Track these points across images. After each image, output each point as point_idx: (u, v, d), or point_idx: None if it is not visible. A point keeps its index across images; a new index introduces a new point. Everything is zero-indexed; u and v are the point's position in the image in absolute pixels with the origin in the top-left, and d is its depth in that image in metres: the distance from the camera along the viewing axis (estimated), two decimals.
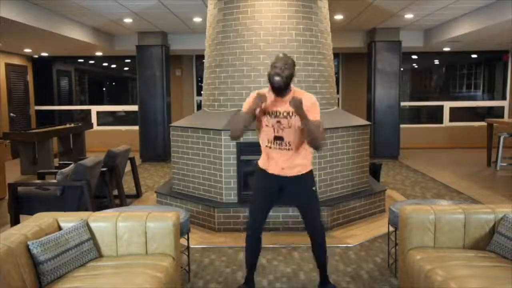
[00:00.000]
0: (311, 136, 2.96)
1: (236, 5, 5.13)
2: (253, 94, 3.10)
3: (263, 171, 3.20)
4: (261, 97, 3.00)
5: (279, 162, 3.13)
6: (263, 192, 3.22)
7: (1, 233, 2.59)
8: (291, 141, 3.09)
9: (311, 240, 3.26)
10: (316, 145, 3.02)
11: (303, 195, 3.20)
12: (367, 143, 5.46)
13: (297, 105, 2.88)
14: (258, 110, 3.07)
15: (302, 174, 3.15)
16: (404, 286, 3.16)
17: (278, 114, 3.08)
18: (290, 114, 3.04)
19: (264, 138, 3.17)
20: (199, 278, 3.62)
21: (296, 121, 3.02)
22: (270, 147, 3.14)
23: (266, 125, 3.12)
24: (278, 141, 3.11)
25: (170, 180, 5.87)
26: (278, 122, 3.08)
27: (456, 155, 10.14)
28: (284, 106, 3.05)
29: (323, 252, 3.26)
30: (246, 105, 3.13)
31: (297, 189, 3.19)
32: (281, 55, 3.10)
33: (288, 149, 3.10)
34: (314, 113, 3.01)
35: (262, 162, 3.24)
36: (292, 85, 3.10)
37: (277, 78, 2.98)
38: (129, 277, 2.59)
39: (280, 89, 3.03)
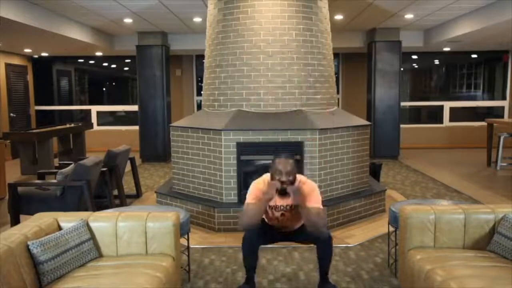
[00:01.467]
0: (310, 223, 3.06)
1: (236, 5, 5.13)
2: (258, 187, 3.21)
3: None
4: (272, 188, 3.07)
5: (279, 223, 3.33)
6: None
7: (1, 233, 2.59)
8: (294, 225, 3.32)
9: (316, 246, 3.21)
10: (315, 231, 3.08)
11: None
12: (367, 143, 5.46)
13: (295, 193, 3.03)
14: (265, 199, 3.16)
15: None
16: (404, 286, 3.16)
17: (281, 208, 3.23)
18: (292, 207, 3.21)
19: (268, 222, 3.35)
20: (199, 278, 3.62)
21: (298, 213, 3.19)
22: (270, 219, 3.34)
23: (271, 218, 3.29)
24: (283, 228, 3.33)
25: (170, 180, 5.87)
26: (282, 215, 3.25)
27: (456, 155, 10.14)
28: (288, 200, 3.19)
29: (329, 257, 3.23)
30: (252, 197, 3.19)
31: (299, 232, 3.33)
32: (282, 158, 3.19)
33: (292, 230, 3.35)
34: (315, 200, 3.13)
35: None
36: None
37: (285, 188, 3.10)
38: (129, 277, 2.59)
39: (284, 193, 3.15)
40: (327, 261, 3.23)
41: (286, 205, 3.21)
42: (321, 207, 3.16)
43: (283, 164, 3.12)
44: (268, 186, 3.11)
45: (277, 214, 3.25)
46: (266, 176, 3.29)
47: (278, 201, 3.21)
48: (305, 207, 3.04)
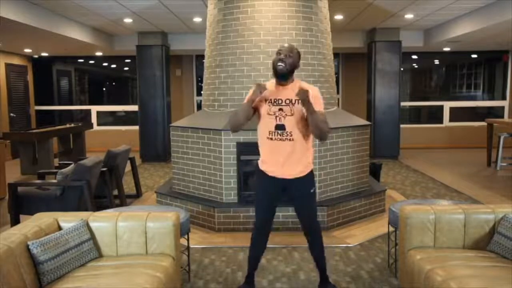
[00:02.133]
0: (318, 128, 2.94)
1: (236, 5, 5.13)
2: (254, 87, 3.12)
3: (264, 175, 3.18)
4: (260, 87, 2.99)
5: (280, 157, 3.08)
6: (266, 195, 3.23)
7: (1, 233, 2.59)
8: (292, 131, 3.04)
9: (307, 239, 3.28)
10: (322, 136, 3.01)
11: (302, 198, 3.21)
12: (367, 143, 5.46)
13: (305, 98, 2.87)
14: (257, 100, 3.05)
15: (303, 177, 3.14)
16: (404, 286, 3.16)
17: (280, 101, 3.06)
18: (293, 101, 3.03)
19: (265, 129, 3.11)
20: (199, 278, 3.62)
21: (298, 108, 3.02)
22: (271, 139, 3.08)
23: (268, 114, 3.07)
24: (279, 131, 3.05)
25: (170, 180, 5.87)
26: (280, 109, 3.04)
27: (456, 155, 10.14)
28: (287, 94, 3.05)
29: (321, 251, 3.27)
30: (246, 99, 3.11)
31: (297, 193, 3.19)
32: (286, 44, 3.13)
33: (290, 140, 3.04)
34: (318, 104, 3.02)
35: (261, 162, 3.22)
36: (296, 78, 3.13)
37: (280, 64, 2.98)
38: (129, 277, 2.58)
39: (283, 76, 3.02)
40: (321, 250, 3.25)
41: (285, 99, 3.05)
42: (324, 111, 3.05)
43: (285, 47, 3.05)
44: (260, 83, 3.01)
45: (275, 109, 3.04)
46: (272, 80, 3.17)
47: (276, 95, 3.06)
48: (311, 108, 2.90)
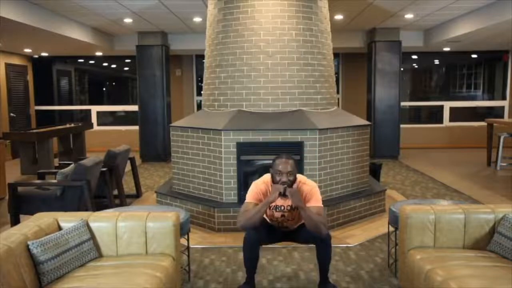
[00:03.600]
0: (310, 223, 3.06)
1: (236, 5, 5.13)
2: (259, 187, 3.24)
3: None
4: (278, 190, 3.08)
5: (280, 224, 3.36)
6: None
7: (1, 233, 2.59)
8: (295, 225, 3.34)
9: (316, 247, 3.21)
10: (316, 230, 3.08)
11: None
12: (367, 143, 5.46)
13: (294, 196, 3.04)
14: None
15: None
16: (404, 286, 3.16)
17: (282, 208, 3.25)
18: (293, 207, 3.23)
19: (269, 221, 3.36)
20: (199, 278, 3.62)
21: (298, 213, 3.22)
22: (271, 220, 3.36)
23: (271, 219, 3.30)
24: (283, 228, 3.35)
25: (170, 180, 5.87)
26: (283, 216, 3.27)
27: (456, 155, 10.14)
28: (288, 201, 3.20)
29: (328, 258, 3.23)
30: (253, 196, 3.21)
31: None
32: (284, 159, 3.18)
33: (293, 229, 3.36)
34: (315, 199, 3.17)
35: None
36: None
37: (287, 191, 3.07)
38: (129, 277, 2.58)
39: (284, 195, 3.13)
40: (327, 261, 3.24)
41: (287, 206, 3.23)
42: (321, 206, 3.18)
43: (283, 164, 3.14)
44: (272, 189, 3.13)
45: (278, 214, 3.26)
46: (267, 177, 3.31)
47: (279, 202, 3.22)
48: (304, 208, 3.06)
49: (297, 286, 3.47)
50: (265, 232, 3.24)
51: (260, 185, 3.26)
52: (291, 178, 3.14)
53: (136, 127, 9.83)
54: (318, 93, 5.23)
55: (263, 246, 3.33)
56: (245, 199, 4.63)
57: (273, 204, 3.21)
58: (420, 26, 8.98)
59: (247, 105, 5.09)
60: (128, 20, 8.00)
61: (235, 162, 4.81)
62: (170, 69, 9.82)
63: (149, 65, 9.34)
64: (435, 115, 11.64)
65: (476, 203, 5.72)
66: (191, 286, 3.48)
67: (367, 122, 5.56)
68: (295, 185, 3.19)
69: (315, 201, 3.16)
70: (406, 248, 3.10)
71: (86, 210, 4.51)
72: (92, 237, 2.94)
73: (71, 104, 12.18)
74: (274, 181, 3.18)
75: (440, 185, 7.05)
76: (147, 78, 9.37)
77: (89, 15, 7.55)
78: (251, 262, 3.24)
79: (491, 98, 11.92)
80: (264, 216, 3.29)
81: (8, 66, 10.29)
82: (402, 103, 10.08)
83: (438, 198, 6.05)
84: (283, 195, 3.09)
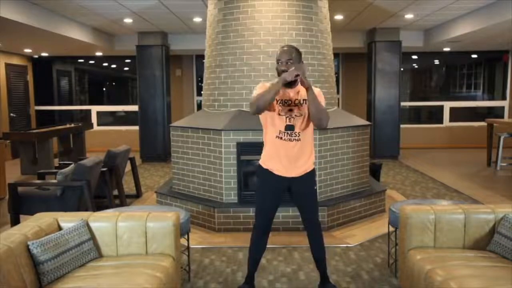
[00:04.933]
0: (315, 105, 2.99)
1: (236, 5, 5.13)
2: (263, 84, 3.17)
3: (269, 173, 3.19)
4: (285, 76, 2.95)
5: (288, 157, 3.13)
6: (270, 194, 3.23)
7: (1, 233, 2.59)
8: (300, 131, 3.12)
9: (309, 238, 3.28)
10: (322, 119, 3.04)
11: (306, 196, 3.24)
12: (367, 143, 5.46)
13: (298, 68, 2.93)
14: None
15: (307, 174, 3.18)
16: (404, 286, 3.16)
17: (289, 102, 3.12)
18: (301, 102, 3.11)
19: (274, 128, 3.15)
20: (199, 278, 3.62)
21: (305, 109, 3.09)
22: (281, 138, 3.13)
23: (279, 114, 3.12)
24: (289, 131, 3.11)
25: (170, 180, 5.87)
26: (290, 110, 3.12)
27: (456, 155, 10.14)
28: (294, 95, 3.12)
29: (322, 250, 3.28)
30: (260, 90, 3.10)
31: (302, 190, 3.22)
32: (285, 48, 3.15)
33: (298, 140, 3.12)
34: (319, 97, 3.08)
35: (267, 161, 3.22)
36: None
37: (286, 76, 2.96)
38: (129, 277, 2.58)
39: (290, 83, 3.04)
40: (321, 250, 3.26)
41: (295, 99, 3.12)
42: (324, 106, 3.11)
43: (283, 53, 3.09)
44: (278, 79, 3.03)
45: (285, 109, 3.12)
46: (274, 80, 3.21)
47: (285, 96, 3.12)
48: (311, 87, 2.97)
49: (297, 286, 3.47)
50: (270, 194, 3.21)
51: (266, 82, 3.20)
52: (292, 67, 3.02)
53: (136, 127, 9.83)
54: None
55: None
56: (245, 199, 4.64)
57: (280, 97, 3.11)
58: (420, 26, 8.98)
59: (247, 105, 5.09)
60: (128, 20, 8.01)
61: (235, 162, 4.81)
62: (170, 69, 9.82)
63: (149, 65, 9.34)
64: (435, 115, 11.64)
65: (476, 203, 5.72)
66: (191, 286, 3.49)
67: (367, 122, 5.57)
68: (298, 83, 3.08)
69: (321, 99, 3.09)
70: (406, 248, 3.10)
71: (86, 210, 4.51)
72: (92, 237, 2.94)
73: (71, 104, 12.18)
74: (279, 75, 3.09)
75: (440, 185, 7.05)
76: (147, 78, 9.37)
77: (89, 15, 7.55)
78: (254, 262, 3.28)
79: (491, 98, 11.92)
80: (270, 132, 3.17)
81: (8, 66, 10.29)
82: (402, 103, 10.08)
83: (438, 198, 6.05)
84: (289, 83, 3.00)
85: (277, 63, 3.11)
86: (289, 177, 3.15)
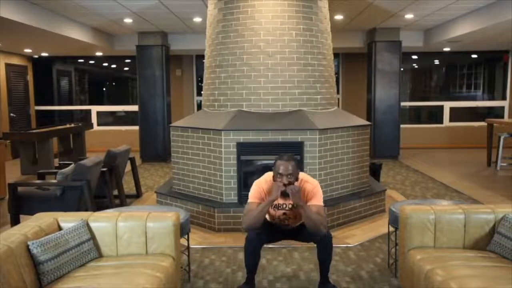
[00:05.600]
0: (310, 222, 3.07)
1: (236, 5, 5.13)
2: (261, 187, 3.23)
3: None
4: (279, 188, 3.10)
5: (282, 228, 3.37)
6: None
7: (1, 233, 2.59)
8: (296, 223, 3.33)
9: (317, 245, 3.21)
10: (315, 229, 3.09)
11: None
12: (367, 143, 5.46)
13: (294, 193, 3.04)
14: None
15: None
16: (404, 286, 3.16)
17: (284, 206, 3.25)
18: (295, 206, 3.21)
19: (269, 216, 3.34)
20: (199, 278, 3.62)
21: (298, 211, 3.22)
22: (276, 222, 3.35)
23: (273, 218, 3.31)
24: (284, 225, 3.35)
25: (170, 180, 5.87)
26: (284, 214, 3.27)
27: (456, 155, 10.14)
28: (289, 200, 3.19)
29: (329, 257, 3.24)
30: (255, 197, 3.20)
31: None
32: (284, 160, 3.18)
33: (293, 227, 3.36)
34: (316, 198, 3.17)
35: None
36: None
37: (288, 188, 3.08)
38: (129, 277, 2.58)
39: (284, 195, 3.15)
40: (327, 261, 3.24)
41: (288, 204, 3.23)
42: (322, 205, 3.18)
43: (284, 166, 3.14)
44: (273, 187, 3.13)
45: (279, 212, 3.26)
46: (268, 175, 3.30)
47: (280, 200, 3.22)
48: (304, 207, 3.06)
49: (297, 286, 3.47)
50: (267, 232, 3.23)
51: (262, 184, 3.26)
52: (292, 179, 3.14)
53: (136, 127, 9.83)
54: (318, 93, 5.22)
55: (264, 246, 3.33)
56: (245, 199, 4.61)
57: (275, 202, 3.21)
58: (420, 26, 8.98)
59: (247, 105, 5.09)
60: (128, 20, 8.00)
61: (235, 162, 4.81)
62: (170, 69, 9.82)
63: (149, 65, 9.34)
64: (435, 115, 11.64)
65: (476, 203, 5.72)
66: (191, 286, 3.49)
67: (367, 122, 5.56)
68: (297, 183, 3.19)
69: (316, 200, 3.17)
70: (406, 248, 3.10)
71: (86, 210, 4.51)
72: (92, 237, 2.94)
73: (71, 104, 12.18)
74: (275, 180, 3.19)
75: (440, 185, 7.05)
76: (147, 78, 9.37)
77: (89, 15, 7.55)
78: (252, 263, 3.24)
79: (491, 98, 11.91)
80: (266, 216, 3.29)
81: (8, 66, 10.29)
82: (402, 103, 10.08)
83: (438, 198, 6.05)
84: (284, 194, 3.11)
85: (277, 173, 3.15)
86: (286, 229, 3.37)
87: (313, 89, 5.18)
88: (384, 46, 9.27)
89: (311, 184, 3.24)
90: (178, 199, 5.18)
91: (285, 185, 3.10)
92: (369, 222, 5.06)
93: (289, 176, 3.12)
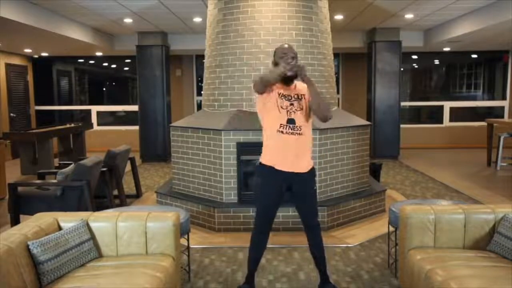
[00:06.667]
0: (317, 99, 3.08)
1: (236, 5, 5.13)
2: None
3: (270, 169, 3.17)
4: (284, 68, 3.00)
5: (290, 151, 3.13)
6: (271, 191, 3.20)
7: (1, 233, 2.59)
8: (301, 125, 3.14)
9: (308, 238, 3.28)
10: (322, 111, 3.10)
11: (306, 196, 3.24)
12: (367, 143, 5.46)
13: (302, 68, 2.97)
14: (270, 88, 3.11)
15: (308, 173, 3.20)
16: (404, 286, 3.16)
17: (290, 97, 3.16)
18: (300, 96, 3.17)
19: (275, 122, 3.14)
20: (199, 278, 3.62)
21: (305, 104, 3.16)
22: (282, 132, 3.12)
23: (281, 107, 3.13)
24: (290, 125, 3.12)
25: (170, 180, 5.87)
26: (291, 104, 3.15)
27: (456, 155, 10.14)
28: (293, 91, 3.18)
29: (321, 250, 3.28)
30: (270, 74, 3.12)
31: (302, 190, 3.22)
32: (286, 45, 3.22)
33: (299, 134, 3.13)
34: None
35: (268, 157, 3.21)
36: None
37: (291, 72, 3.00)
38: (129, 277, 2.58)
39: (292, 78, 3.10)
40: (321, 250, 3.26)
41: (294, 95, 3.17)
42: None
43: (287, 49, 3.15)
44: (276, 68, 3.08)
45: (286, 103, 3.14)
46: None
47: (286, 90, 3.16)
48: (312, 82, 3.05)
49: (297, 286, 3.47)
50: (269, 213, 3.23)
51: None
52: (296, 62, 3.08)
53: (136, 127, 9.83)
54: None
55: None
56: (245, 199, 4.63)
57: (281, 92, 3.14)
58: (420, 26, 8.98)
59: (247, 105, 5.09)
60: (128, 20, 8.01)
61: (235, 162, 4.81)
62: (170, 69, 9.82)
63: (149, 65, 9.34)
64: (435, 115, 11.64)
65: (476, 203, 5.72)
66: (191, 286, 3.49)
67: (367, 122, 5.57)
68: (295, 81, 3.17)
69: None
70: (406, 248, 3.10)
71: (86, 210, 4.51)
72: (92, 237, 2.94)
73: (71, 104, 12.18)
74: (280, 69, 3.09)
75: (440, 185, 7.05)
76: (147, 78, 9.37)
77: (89, 15, 7.55)
78: (254, 261, 3.28)
79: (491, 98, 11.91)
80: (271, 125, 3.18)
81: (8, 66, 10.29)
82: (402, 103, 10.08)
83: (438, 198, 6.05)
84: (285, 80, 3.08)
85: (280, 56, 3.13)
86: (292, 172, 3.14)
87: None
88: (384, 46, 9.27)
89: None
90: (178, 199, 5.18)
91: (290, 64, 3.02)
92: (369, 222, 5.06)
93: (292, 58, 3.10)
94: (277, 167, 3.15)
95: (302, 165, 3.18)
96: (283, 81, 3.12)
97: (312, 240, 3.28)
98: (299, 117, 3.13)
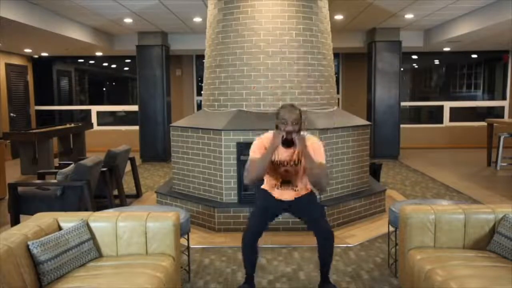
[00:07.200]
0: (313, 174, 3.06)
1: (236, 5, 5.13)
2: (263, 142, 3.17)
3: (267, 192, 3.30)
4: (278, 137, 3.04)
5: (288, 193, 3.27)
6: (265, 211, 3.27)
7: (1, 233, 2.59)
8: (298, 183, 3.26)
9: (318, 243, 3.20)
10: (319, 186, 3.10)
11: (310, 209, 3.26)
12: (367, 143, 5.46)
13: (300, 139, 3.00)
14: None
15: (305, 194, 3.29)
16: (404, 286, 3.16)
17: (285, 163, 3.19)
18: (296, 162, 3.16)
19: (271, 181, 3.28)
20: (199, 278, 3.62)
21: (302, 168, 3.17)
22: (278, 187, 3.28)
23: (275, 171, 3.23)
24: (285, 185, 3.26)
25: (170, 180, 5.87)
26: (286, 171, 3.21)
27: (456, 155, 10.14)
28: (290, 155, 3.16)
29: (330, 255, 3.23)
30: (256, 152, 3.15)
31: (303, 206, 3.28)
32: (288, 107, 3.15)
33: (295, 190, 3.27)
34: (318, 155, 3.11)
35: (266, 187, 3.33)
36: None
37: (289, 137, 3.04)
38: (129, 277, 2.59)
39: (292, 143, 3.10)
40: (328, 258, 3.21)
41: (290, 160, 3.15)
42: (324, 163, 3.12)
43: (289, 112, 3.07)
44: (274, 135, 3.08)
45: (281, 169, 3.18)
46: (270, 133, 3.23)
47: (282, 155, 3.14)
48: (309, 154, 3.01)
49: (297, 286, 3.47)
50: (266, 209, 3.25)
51: (264, 139, 3.18)
52: (296, 128, 3.04)
53: (136, 127, 9.83)
54: (318, 93, 5.23)
55: (263, 246, 3.34)
56: (245, 199, 4.63)
57: (277, 159, 3.14)
58: (420, 26, 8.98)
59: (247, 105, 5.09)
60: (128, 20, 8.00)
61: (235, 162, 4.81)
62: (170, 69, 9.82)
63: (149, 65, 9.34)
64: (435, 115, 11.65)
65: (476, 203, 5.72)
66: (191, 286, 3.49)
67: (367, 122, 5.57)
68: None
69: (320, 158, 3.10)
70: (406, 248, 3.10)
71: (86, 210, 4.51)
72: (92, 237, 2.94)
73: (71, 104, 12.18)
74: (279, 131, 3.12)
75: (440, 185, 7.05)
76: (147, 78, 9.37)
77: (89, 15, 7.55)
78: (250, 261, 3.24)
79: (491, 98, 11.92)
80: (266, 179, 3.24)
81: (8, 66, 10.29)
82: (402, 103, 10.08)
83: (438, 198, 6.05)
84: (285, 142, 3.06)
85: (281, 121, 3.09)
86: (287, 201, 3.26)
87: (313, 89, 5.18)
88: (384, 46, 9.27)
89: (316, 144, 3.15)
90: (178, 199, 5.18)
91: (287, 132, 3.01)
92: (369, 222, 5.06)
93: (293, 123, 3.03)
94: (273, 195, 3.30)
95: (300, 193, 3.29)
96: (283, 145, 3.14)
97: (322, 246, 3.19)
98: (295, 179, 3.24)
